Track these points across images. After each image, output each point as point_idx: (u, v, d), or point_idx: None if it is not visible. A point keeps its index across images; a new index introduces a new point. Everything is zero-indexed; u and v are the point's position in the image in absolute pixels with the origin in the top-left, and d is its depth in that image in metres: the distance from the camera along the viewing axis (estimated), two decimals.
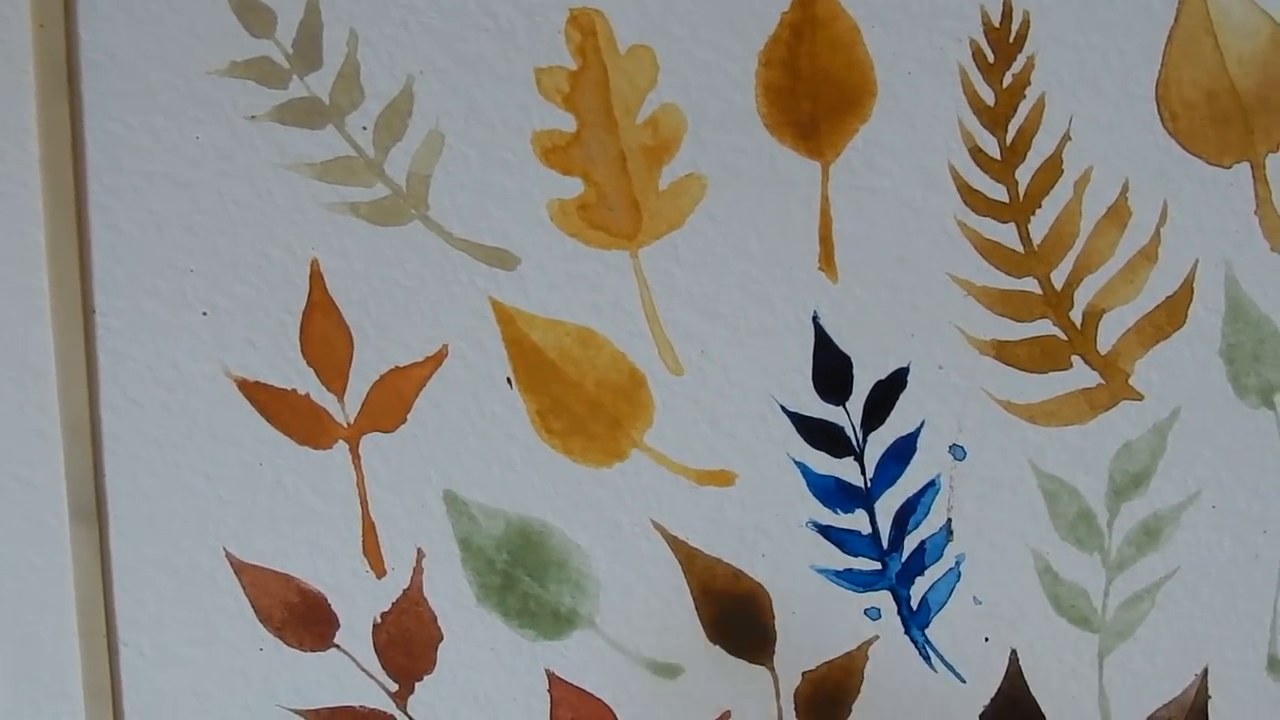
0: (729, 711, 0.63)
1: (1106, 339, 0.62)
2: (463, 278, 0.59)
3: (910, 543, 0.62)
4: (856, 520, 0.62)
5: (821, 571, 0.62)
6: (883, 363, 0.61)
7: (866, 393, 0.61)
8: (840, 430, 0.61)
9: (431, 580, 0.61)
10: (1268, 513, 0.64)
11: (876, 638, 0.63)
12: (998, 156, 0.60)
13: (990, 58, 0.60)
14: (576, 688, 0.62)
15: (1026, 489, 0.62)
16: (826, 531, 0.62)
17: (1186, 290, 0.62)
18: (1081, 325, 0.62)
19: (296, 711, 0.61)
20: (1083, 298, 0.61)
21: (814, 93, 0.59)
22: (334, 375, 0.59)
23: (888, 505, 0.62)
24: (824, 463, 0.61)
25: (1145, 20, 0.60)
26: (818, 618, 0.62)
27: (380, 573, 0.61)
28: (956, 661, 0.63)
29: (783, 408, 0.61)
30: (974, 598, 0.63)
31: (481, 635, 0.61)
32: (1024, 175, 0.61)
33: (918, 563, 0.63)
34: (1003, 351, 0.61)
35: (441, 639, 0.61)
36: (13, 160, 0.56)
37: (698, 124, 0.59)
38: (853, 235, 0.60)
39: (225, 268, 0.58)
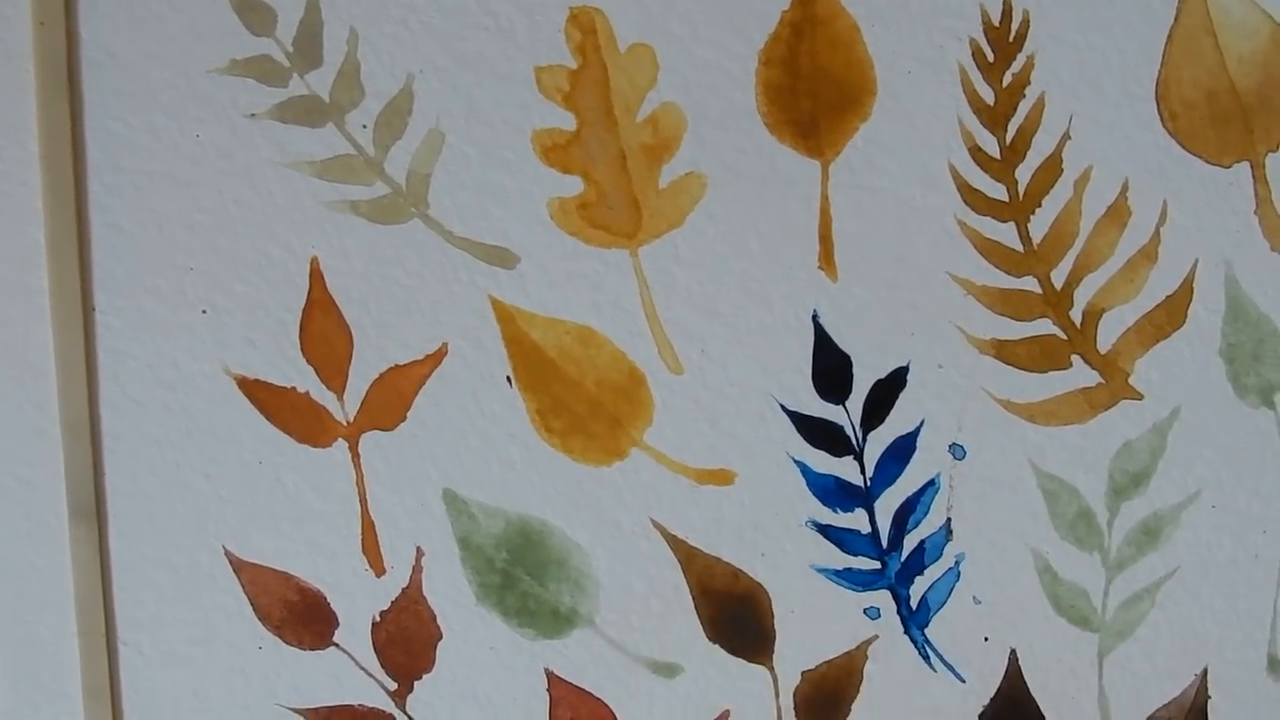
0: (728, 711, 0.63)
1: (1106, 338, 0.62)
2: (463, 276, 0.59)
3: (910, 542, 0.62)
4: (856, 519, 0.62)
5: (821, 571, 0.62)
6: (882, 362, 0.61)
7: (866, 392, 0.61)
8: (840, 429, 0.61)
9: (431, 579, 0.61)
10: (1268, 513, 0.64)
11: (876, 637, 0.63)
12: (997, 156, 0.60)
13: (990, 57, 0.60)
14: (576, 687, 0.62)
15: (1026, 488, 0.62)
16: (826, 531, 0.62)
17: (1186, 290, 0.62)
18: (1081, 324, 0.62)
19: (296, 710, 0.61)
20: (1082, 297, 0.61)
21: (814, 91, 0.59)
22: (334, 374, 0.59)
23: (887, 504, 0.62)
24: (823, 462, 0.61)
25: (1145, 20, 0.60)
26: (817, 617, 0.62)
27: (379, 571, 0.61)
28: (956, 661, 0.63)
29: (782, 407, 0.61)
30: (973, 597, 0.63)
31: (481, 634, 0.61)
32: (1024, 174, 0.61)
33: (917, 562, 0.62)
34: (1002, 351, 0.61)
35: (441, 638, 0.61)
36: (13, 159, 0.56)
37: (698, 123, 0.59)
38: (852, 234, 0.60)
39: (225, 266, 0.58)
